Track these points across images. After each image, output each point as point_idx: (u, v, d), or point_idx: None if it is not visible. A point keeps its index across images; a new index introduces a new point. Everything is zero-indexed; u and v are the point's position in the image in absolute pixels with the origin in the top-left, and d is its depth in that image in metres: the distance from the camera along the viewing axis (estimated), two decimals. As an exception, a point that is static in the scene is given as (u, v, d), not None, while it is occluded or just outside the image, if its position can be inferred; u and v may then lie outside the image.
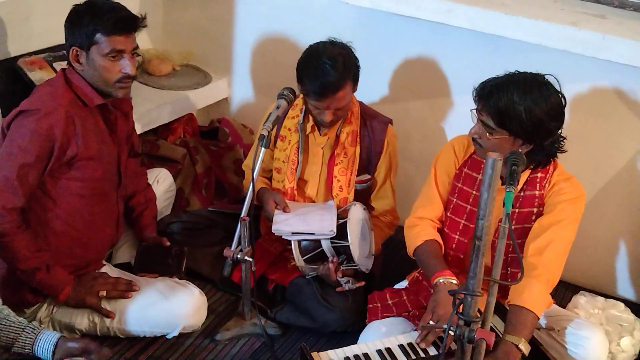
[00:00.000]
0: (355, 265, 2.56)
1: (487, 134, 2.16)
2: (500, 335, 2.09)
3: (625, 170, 2.83)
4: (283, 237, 2.60)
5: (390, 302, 2.43)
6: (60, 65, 2.88)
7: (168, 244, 2.67)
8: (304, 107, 2.70)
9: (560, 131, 2.20)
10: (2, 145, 2.28)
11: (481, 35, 2.76)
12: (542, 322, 2.32)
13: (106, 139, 2.43)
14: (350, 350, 2.18)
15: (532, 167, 2.24)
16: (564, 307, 2.57)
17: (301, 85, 2.56)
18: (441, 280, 2.23)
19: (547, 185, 2.26)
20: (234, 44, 3.53)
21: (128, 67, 2.31)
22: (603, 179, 2.87)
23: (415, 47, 3.04)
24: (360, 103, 2.76)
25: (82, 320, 2.41)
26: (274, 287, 2.75)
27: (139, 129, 2.89)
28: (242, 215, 2.38)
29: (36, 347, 2.01)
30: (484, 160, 1.54)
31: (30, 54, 2.86)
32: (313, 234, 2.55)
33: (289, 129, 2.73)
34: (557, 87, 2.16)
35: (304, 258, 2.59)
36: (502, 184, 2.18)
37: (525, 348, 2.03)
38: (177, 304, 2.43)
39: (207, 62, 3.60)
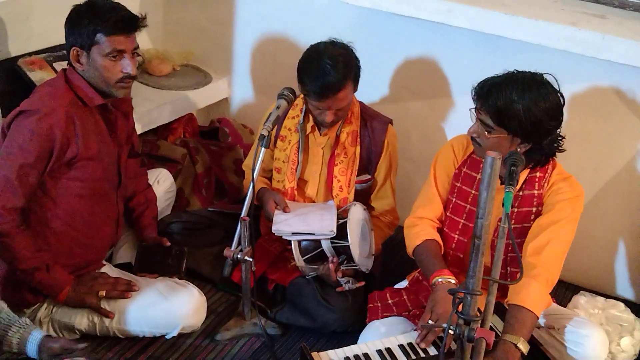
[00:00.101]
0: (355, 265, 2.56)
1: (486, 132, 2.16)
2: (500, 335, 2.09)
3: (625, 170, 2.83)
4: (283, 237, 2.60)
5: (390, 301, 2.43)
6: (60, 65, 2.88)
7: (168, 244, 2.67)
8: (304, 107, 2.70)
9: (558, 130, 2.20)
10: (2, 145, 2.28)
11: (481, 35, 2.76)
12: (542, 320, 2.32)
13: (106, 139, 2.43)
14: (350, 350, 2.18)
15: (530, 166, 2.24)
16: (564, 307, 2.57)
17: (302, 85, 2.56)
18: (440, 280, 2.23)
19: (545, 184, 2.27)
20: (234, 44, 3.53)
21: (129, 67, 2.31)
22: (603, 179, 2.87)
23: (415, 47, 3.04)
24: (361, 103, 2.76)
25: (81, 320, 2.42)
26: (274, 287, 2.75)
27: (139, 129, 2.89)
28: (242, 215, 2.38)
29: (27, 348, 2.01)
30: (483, 160, 1.54)
31: (30, 54, 2.87)
32: (313, 234, 2.55)
33: (289, 129, 2.73)
34: (556, 87, 2.16)
35: (304, 258, 2.59)
36: (501, 184, 2.19)
37: (524, 347, 2.03)
38: (176, 304, 2.43)
39: (207, 62, 3.60)
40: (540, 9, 2.74)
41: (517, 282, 1.84)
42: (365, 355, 2.15)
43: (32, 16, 2.87)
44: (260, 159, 2.40)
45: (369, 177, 2.77)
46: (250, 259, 2.43)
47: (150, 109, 3.18)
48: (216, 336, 2.58)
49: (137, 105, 2.77)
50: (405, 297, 2.45)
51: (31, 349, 2.01)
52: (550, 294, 2.22)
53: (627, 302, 2.74)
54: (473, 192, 2.36)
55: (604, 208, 2.90)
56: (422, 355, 2.14)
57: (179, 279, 2.56)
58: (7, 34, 2.79)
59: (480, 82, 2.20)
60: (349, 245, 2.50)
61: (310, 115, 2.69)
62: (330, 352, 2.16)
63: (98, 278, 2.45)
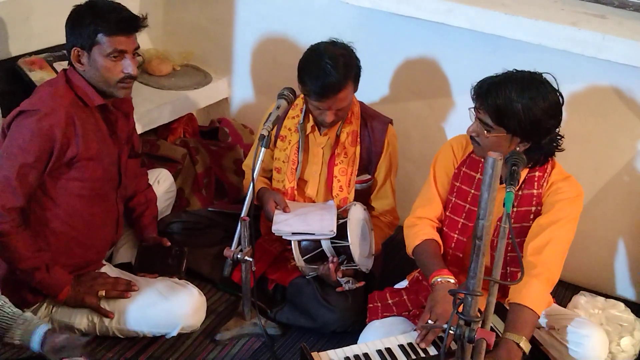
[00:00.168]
0: (355, 265, 2.56)
1: (485, 132, 2.16)
2: (500, 335, 2.09)
3: (625, 170, 2.83)
4: (283, 237, 2.60)
5: (390, 301, 2.43)
6: (60, 65, 2.88)
7: (168, 244, 2.67)
8: (304, 107, 2.70)
9: (558, 130, 2.21)
10: (3, 145, 2.28)
11: (481, 35, 2.76)
12: (542, 321, 2.32)
13: (106, 140, 2.43)
14: (350, 350, 2.18)
15: (530, 165, 2.24)
16: (564, 307, 2.57)
17: (302, 85, 2.56)
18: (439, 280, 2.23)
19: (545, 184, 2.27)
20: (234, 44, 3.53)
21: (130, 67, 2.31)
22: (603, 179, 2.88)
23: (415, 47, 3.04)
24: (361, 103, 2.76)
25: (81, 320, 2.42)
26: (274, 287, 2.75)
27: (139, 129, 2.89)
28: (242, 215, 2.38)
29: (31, 343, 2.01)
30: (482, 159, 1.54)
31: (30, 54, 2.87)
32: (313, 234, 2.55)
33: (289, 129, 2.73)
34: (555, 86, 2.16)
35: (304, 258, 2.59)
36: (501, 183, 2.19)
37: (525, 346, 2.03)
38: (176, 304, 2.43)
39: (207, 62, 3.60)
40: (540, 9, 2.74)
41: (517, 283, 1.84)
42: (365, 355, 2.15)
43: (32, 16, 2.87)
44: (260, 159, 2.40)
45: (369, 177, 2.77)
46: (250, 259, 2.43)
47: (150, 109, 3.18)
48: (216, 336, 2.58)
49: (137, 105, 2.77)
50: (405, 297, 2.45)
51: (35, 341, 2.02)
52: (550, 293, 2.22)
53: (627, 302, 2.74)
54: (472, 191, 2.36)
55: (604, 208, 2.90)
56: (422, 355, 2.14)
57: (179, 279, 2.56)
58: (7, 34, 2.79)
59: (480, 81, 2.20)
60: (349, 245, 2.50)
61: (310, 115, 2.69)
62: (330, 352, 2.16)
63: (98, 278, 2.45)
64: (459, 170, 2.40)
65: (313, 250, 2.59)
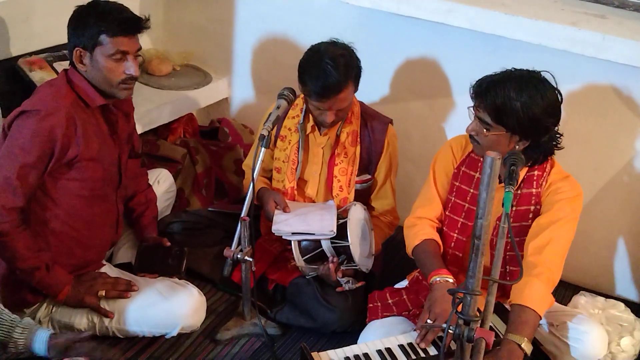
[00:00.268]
0: (355, 265, 2.56)
1: (484, 130, 2.17)
2: (500, 335, 2.09)
3: (625, 170, 2.83)
4: (283, 237, 2.60)
5: (390, 301, 2.43)
6: (60, 65, 2.88)
7: (168, 244, 2.67)
8: (304, 106, 2.70)
9: (557, 128, 2.21)
10: (3, 145, 2.28)
11: (481, 35, 2.76)
12: (542, 321, 2.31)
13: (107, 140, 2.43)
14: (350, 350, 2.18)
15: (529, 164, 2.25)
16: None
17: (303, 86, 2.56)
18: (437, 279, 2.23)
19: (544, 183, 2.27)
20: (234, 44, 3.53)
21: (132, 68, 2.32)
22: (603, 179, 2.87)
23: (415, 47, 3.04)
24: (361, 103, 2.76)
25: (81, 320, 2.42)
26: (274, 287, 2.75)
27: (139, 129, 2.89)
28: (242, 215, 2.38)
29: (33, 347, 2.02)
30: (482, 159, 1.54)
31: (30, 54, 2.87)
32: (313, 234, 2.55)
33: (289, 129, 2.73)
34: (554, 84, 2.16)
35: (304, 258, 2.59)
36: (500, 182, 2.19)
37: (527, 348, 2.03)
38: (176, 304, 2.43)
39: (207, 62, 3.60)
40: (540, 9, 2.74)
41: (517, 282, 1.84)
42: (365, 355, 2.15)
43: (32, 16, 2.87)
44: (260, 159, 2.40)
45: (369, 177, 2.77)
46: (250, 259, 2.43)
47: (150, 109, 3.18)
48: (216, 336, 2.59)
49: (137, 105, 2.77)
50: (405, 296, 2.45)
51: (40, 348, 2.02)
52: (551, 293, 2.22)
53: (627, 302, 2.74)
54: (472, 191, 2.36)
55: (604, 208, 2.90)
56: (422, 355, 2.14)
57: (179, 279, 2.56)
58: (7, 34, 2.79)
59: (478, 80, 2.20)
60: (349, 245, 2.50)
61: (310, 115, 2.69)
62: (330, 352, 2.16)
63: (97, 278, 2.45)
64: (459, 170, 2.40)
65: (313, 250, 2.59)
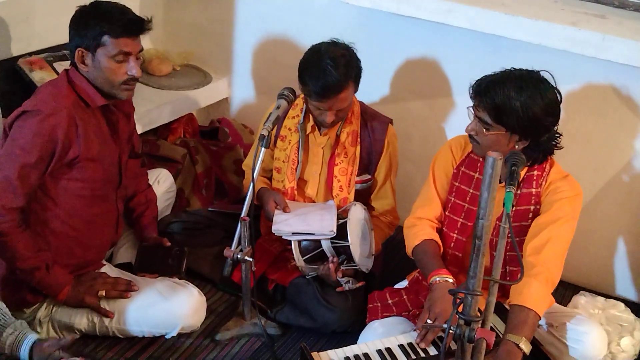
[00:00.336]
0: (355, 265, 2.56)
1: (484, 130, 2.17)
2: (500, 335, 2.09)
3: (625, 170, 2.83)
4: (283, 237, 2.60)
5: (390, 301, 2.43)
6: (60, 65, 2.88)
7: (168, 244, 2.67)
8: (304, 106, 2.70)
9: (556, 127, 2.21)
10: (4, 145, 2.28)
11: (481, 35, 2.76)
12: (541, 321, 2.31)
13: (108, 140, 2.43)
14: (350, 350, 2.18)
15: (528, 164, 2.25)
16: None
17: (303, 85, 2.56)
18: (437, 279, 2.23)
19: (543, 183, 2.27)
20: (234, 44, 3.53)
21: (134, 69, 2.32)
22: (603, 179, 2.88)
23: (415, 47, 3.04)
24: (361, 103, 2.76)
25: (81, 320, 2.42)
26: (274, 287, 2.75)
27: (139, 129, 2.89)
28: (242, 215, 2.38)
29: (19, 350, 2.01)
30: (481, 159, 1.54)
31: (30, 54, 2.87)
32: (313, 234, 2.55)
33: (289, 129, 2.73)
34: (553, 83, 2.16)
35: (304, 258, 2.59)
36: (499, 183, 2.19)
37: (526, 347, 2.03)
38: (176, 304, 2.43)
39: (207, 62, 3.60)
40: (540, 9, 2.74)
41: (517, 282, 1.84)
42: (365, 355, 2.15)
43: (32, 16, 2.87)
44: (260, 159, 2.40)
45: (369, 177, 2.77)
46: (250, 259, 2.43)
47: (150, 109, 3.18)
48: (216, 336, 2.59)
49: (137, 105, 2.77)
50: (405, 297, 2.45)
51: (23, 351, 2.01)
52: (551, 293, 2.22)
53: (627, 302, 2.74)
54: (471, 191, 2.36)
55: (604, 208, 2.90)
56: (422, 355, 2.14)
57: (179, 279, 2.56)
58: (7, 34, 2.79)
59: (478, 79, 2.21)
60: (349, 245, 2.50)
61: (310, 115, 2.69)
62: (330, 352, 2.16)
63: (97, 278, 2.45)
64: (458, 170, 2.40)
65: (313, 250, 2.59)
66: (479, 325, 1.68)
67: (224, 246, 2.47)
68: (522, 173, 2.27)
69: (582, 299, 2.69)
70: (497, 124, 2.14)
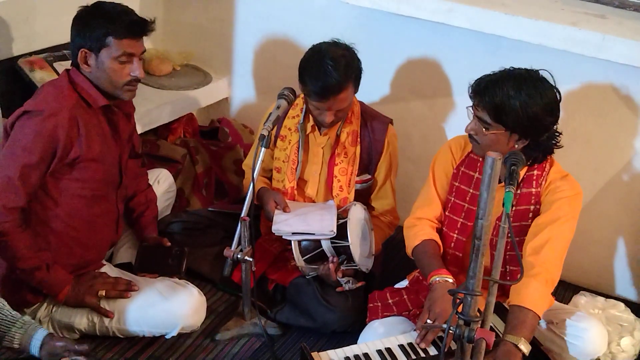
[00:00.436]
0: (356, 265, 2.56)
1: (484, 129, 2.17)
2: (500, 335, 2.09)
3: (625, 170, 2.83)
4: (283, 237, 2.60)
5: (390, 301, 2.43)
6: (60, 65, 2.88)
7: (169, 244, 2.67)
8: (304, 106, 2.70)
9: (555, 127, 2.21)
10: (5, 144, 2.28)
11: (481, 35, 2.76)
12: (541, 321, 2.31)
13: (109, 141, 2.44)
14: (350, 350, 2.18)
15: (528, 163, 2.25)
16: (563, 306, 2.57)
17: (303, 85, 2.56)
18: (437, 279, 2.23)
19: (543, 182, 2.27)
20: (234, 44, 3.53)
21: (137, 70, 2.33)
22: (603, 179, 2.88)
23: (415, 47, 3.04)
24: (361, 103, 2.76)
25: (81, 319, 2.42)
26: (274, 287, 2.75)
27: (139, 129, 2.90)
28: (242, 215, 2.38)
29: (30, 346, 2.02)
30: (481, 159, 1.54)
31: (30, 54, 2.87)
32: (313, 234, 2.55)
33: (289, 129, 2.73)
34: (552, 83, 2.16)
35: (304, 258, 2.59)
36: (499, 182, 2.19)
37: (525, 348, 2.03)
38: (176, 304, 2.43)
39: (207, 62, 3.61)
40: (540, 9, 2.74)
41: (517, 282, 1.84)
42: (365, 355, 2.15)
43: (32, 16, 2.87)
44: (260, 158, 2.40)
45: (369, 177, 2.77)
46: (250, 259, 2.43)
47: (150, 109, 3.18)
48: (216, 336, 2.59)
49: (137, 105, 2.77)
50: (405, 296, 2.45)
51: (35, 346, 2.02)
52: (551, 293, 2.22)
53: (627, 302, 2.74)
54: (471, 191, 2.36)
55: (604, 208, 2.90)
56: (422, 355, 2.14)
57: (179, 279, 2.56)
58: (7, 34, 2.80)
59: (477, 79, 2.21)
60: (349, 245, 2.50)
61: (310, 115, 2.69)
62: (330, 352, 2.16)
63: (98, 278, 2.45)
64: (458, 170, 2.40)
65: (313, 250, 2.59)
66: (479, 326, 1.68)
67: (224, 246, 2.47)
68: (522, 173, 2.27)
69: (582, 299, 2.69)
70: (497, 124, 2.14)
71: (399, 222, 2.81)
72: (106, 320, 2.42)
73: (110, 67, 2.29)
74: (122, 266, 2.66)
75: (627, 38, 2.50)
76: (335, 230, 2.53)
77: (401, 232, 2.52)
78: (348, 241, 2.49)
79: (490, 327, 1.78)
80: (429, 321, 2.16)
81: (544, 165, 2.27)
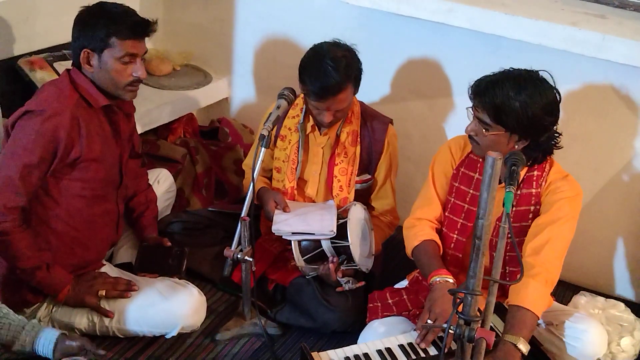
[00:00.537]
0: (356, 265, 2.56)
1: (484, 130, 2.17)
2: (500, 335, 2.09)
3: (625, 170, 2.83)
4: (283, 237, 2.60)
5: (390, 301, 2.43)
6: (60, 65, 2.88)
7: (169, 244, 2.68)
8: (304, 106, 2.70)
9: (555, 127, 2.21)
10: (6, 144, 2.28)
11: (481, 35, 2.76)
12: (540, 321, 2.31)
13: (110, 141, 2.44)
14: (350, 350, 2.18)
15: (528, 164, 2.25)
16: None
17: (302, 85, 2.56)
18: (437, 279, 2.23)
19: (543, 183, 2.27)
20: (234, 44, 3.53)
21: (139, 71, 2.33)
22: (603, 179, 2.88)
23: (415, 47, 3.04)
24: (361, 103, 2.76)
25: (81, 319, 2.42)
26: (274, 287, 2.75)
27: (139, 129, 2.90)
28: (242, 215, 2.38)
29: (37, 346, 2.02)
30: (481, 159, 1.54)
31: (30, 54, 2.87)
32: (313, 234, 2.55)
33: (289, 129, 2.73)
34: (552, 83, 2.16)
35: (304, 258, 2.59)
36: (499, 183, 2.19)
37: (524, 348, 2.03)
38: (176, 304, 2.43)
39: (207, 62, 3.61)
40: (540, 9, 2.74)
41: (517, 282, 1.84)
42: (365, 355, 2.15)
43: (32, 16, 2.87)
44: (260, 158, 2.40)
45: (369, 177, 2.77)
46: (250, 259, 2.43)
47: (150, 109, 3.18)
48: (216, 336, 2.59)
49: (137, 105, 2.77)
50: (405, 296, 2.45)
51: (46, 346, 2.02)
52: (551, 294, 2.22)
53: (627, 302, 2.74)
54: (471, 191, 2.36)
55: (604, 208, 2.90)
56: (422, 355, 2.14)
57: (179, 278, 2.56)
58: (7, 34, 2.79)
59: (477, 80, 2.21)
60: (349, 245, 2.50)
61: (310, 115, 2.69)
62: (330, 352, 2.16)
63: (98, 278, 2.45)
64: (458, 171, 2.40)
65: (313, 250, 2.59)
66: (479, 325, 1.68)
67: (224, 246, 2.47)
68: (522, 173, 2.27)
69: (582, 299, 2.69)
70: (497, 124, 2.14)
71: (399, 222, 2.81)
72: (106, 320, 2.42)
73: (112, 67, 2.30)
74: (122, 266, 2.66)
75: (627, 38, 2.50)
76: (335, 230, 2.53)
77: (401, 232, 2.52)
78: (348, 241, 2.49)
79: (491, 327, 1.78)
80: (429, 321, 2.16)
81: (544, 165, 2.27)
